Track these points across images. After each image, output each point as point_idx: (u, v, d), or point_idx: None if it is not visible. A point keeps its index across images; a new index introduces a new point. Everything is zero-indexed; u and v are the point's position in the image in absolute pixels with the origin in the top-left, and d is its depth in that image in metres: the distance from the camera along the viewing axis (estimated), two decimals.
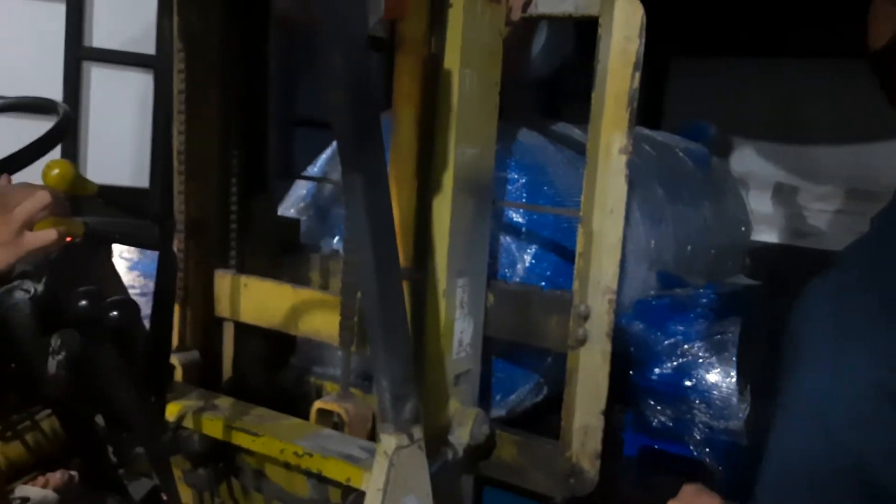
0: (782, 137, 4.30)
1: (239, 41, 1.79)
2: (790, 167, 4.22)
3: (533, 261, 1.96)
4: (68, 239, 1.11)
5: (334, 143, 2.20)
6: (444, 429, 1.61)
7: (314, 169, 2.31)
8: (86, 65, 3.01)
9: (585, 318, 1.70)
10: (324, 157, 2.31)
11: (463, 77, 1.51)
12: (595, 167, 1.67)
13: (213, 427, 1.48)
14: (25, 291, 1.23)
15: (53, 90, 2.90)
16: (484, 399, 1.84)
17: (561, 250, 1.98)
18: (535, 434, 1.79)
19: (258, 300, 1.77)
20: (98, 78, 3.04)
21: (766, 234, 4.19)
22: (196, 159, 1.74)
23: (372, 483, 1.23)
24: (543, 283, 1.95)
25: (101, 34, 3.01)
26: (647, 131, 3.16)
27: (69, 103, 2.71)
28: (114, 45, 3.02)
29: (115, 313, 1.20)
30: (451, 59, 1.50)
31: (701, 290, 2.47)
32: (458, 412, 1.63)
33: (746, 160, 4.47)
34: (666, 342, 2.35)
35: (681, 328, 2.35)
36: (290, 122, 2.60)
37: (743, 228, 3.51)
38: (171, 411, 1.49)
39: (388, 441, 1.22)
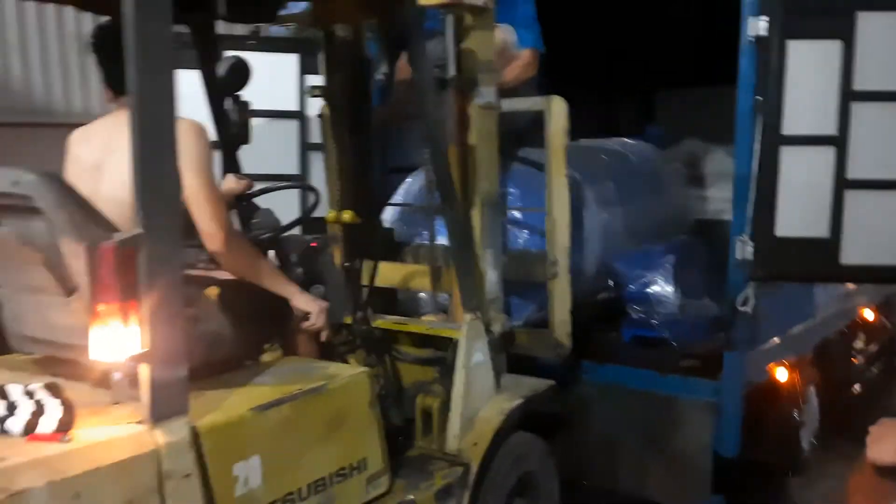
0: None
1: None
2: None
3: (526, 236, 3.58)
4: None
5: (408, 179, 3.89)
6: (487, 324, 3.17)
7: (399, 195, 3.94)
8: None
9: (554, 263, 3.30)
10: (405, 186, 3.94)
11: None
12: (551, 186, 3.27)
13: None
14: None
15: None
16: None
17: (539, 230, 3.57)
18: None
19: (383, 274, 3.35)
20: None
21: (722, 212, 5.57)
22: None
23: (462, 335, 2.82)
24: (532, 248, 3.57)
25: None
26: (604, 142, 4.73)
27: None
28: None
29: None
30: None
31: (652, 246, 4.12)
32: (495, 317, 3.18)
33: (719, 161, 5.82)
34: (635, 273, 4.00)
35: (641, 265, 4.01)
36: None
37: (682, 206, 5.06)
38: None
39: (468, 316, 2.82)
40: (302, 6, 2.89)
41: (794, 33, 3.10)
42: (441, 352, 3.00)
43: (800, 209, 3.20)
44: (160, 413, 1.80)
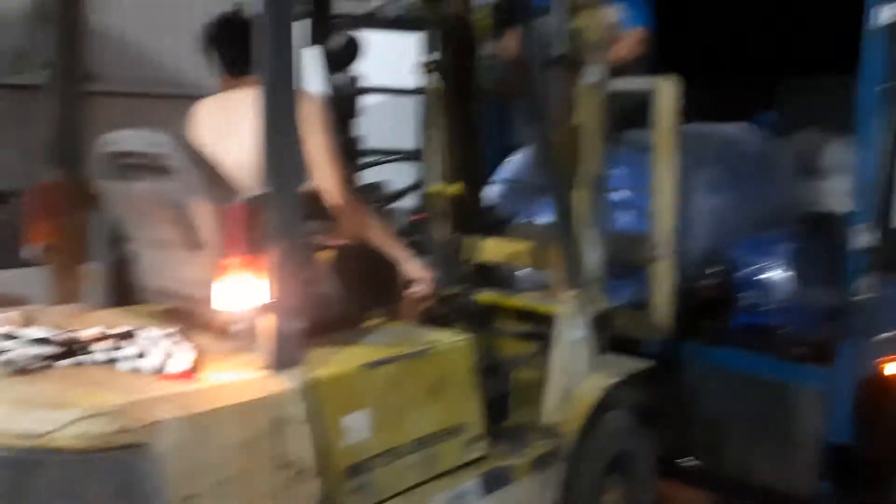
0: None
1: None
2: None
3: (630, 218, 3.57)
4: None
5: (513, 156, 3.94)
6: (588, 303, 3.18)
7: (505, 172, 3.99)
8: None
9: (657, 245, 3.28)
10: (510, 163, 3.98)
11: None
12: (658, 168, 3.24)
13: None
14: None
15: None
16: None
17: (644, 212, 3.54)
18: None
19: (485, 248, 3.41)
20: None
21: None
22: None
23: (563, 312, 2.85)
24: (636, 229, 3.55)
25: None
26: (716, 127, 4.62)
27: None
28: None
29: None
30: None
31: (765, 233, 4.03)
32: (595, 296, 3.19)
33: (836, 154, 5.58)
34: (749, 259, 3.91)
35: (756, 252, 3.91)
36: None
37: (794, 196, 4.90)
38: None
39: (569, 293, 2.84)
40: None
41: None
42: (540, 327, 3.04)
43: None
44: (281, 362, 1.92)
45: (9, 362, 1.82)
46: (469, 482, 2.43)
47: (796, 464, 3.39)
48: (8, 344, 1.89)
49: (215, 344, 2.10)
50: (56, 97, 2.58)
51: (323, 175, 2.34)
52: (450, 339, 2.47)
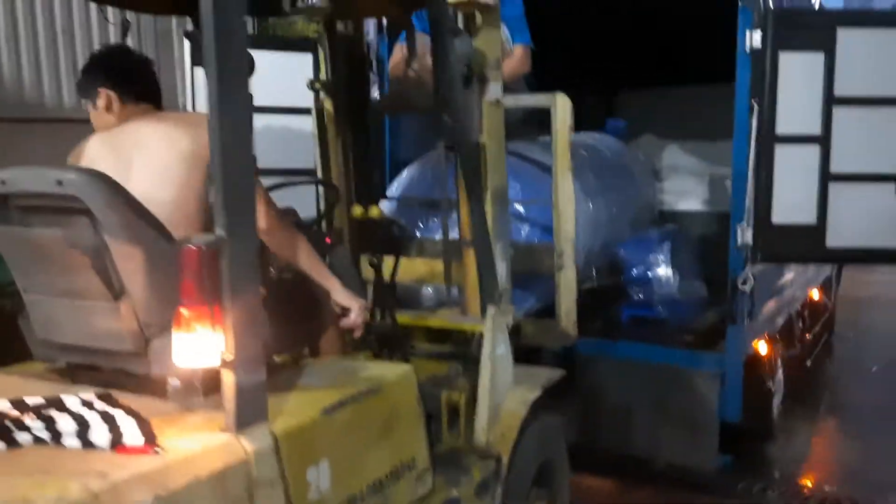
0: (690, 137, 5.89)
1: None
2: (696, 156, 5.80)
3: (530, 229, 3.62)
4: None
5: (405, 171, 3.88)
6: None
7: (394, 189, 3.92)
8: None
9: (560, 255, 3.35)
10: (400, 179, 3.92)
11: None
12: (557, 179, 3.31)
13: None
14: None
15: None
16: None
17: (545, 222, 3.62)
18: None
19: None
20: None
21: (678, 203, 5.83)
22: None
23: (487, 328, 2.83)
24: (537, 240, 3.61)
25: None
26: (580, 136, 4.82)
27: None
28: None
29: None
30: None
31: (644, 234, 4.34)
32: (505, 309, 3.19)
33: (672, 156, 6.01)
34: (633, 259, 4.23)
35: (638, 251, 4.27)
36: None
37: (651, 196, 5.22)
38: None
39: (492, 309, 2.82)
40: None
41: (784, 45, 3.39)
42: (458, 346, 3.01)
43: (792, 199, 3.43)
44: (244, 420, 1.75)
45: None
46: None
47: (697, 441, 3.74)
48: None
49: (155, 406, 1.88)
50: None
51: None
52: (394, 372, 2.38)
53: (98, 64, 2.37)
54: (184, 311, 1.71)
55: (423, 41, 2.92)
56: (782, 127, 3.40)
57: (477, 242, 2.85)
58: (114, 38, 4.22)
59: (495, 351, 2.88)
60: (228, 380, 1.74)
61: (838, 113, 3.42)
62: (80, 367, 2.17)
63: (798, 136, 3.43)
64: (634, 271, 4.22)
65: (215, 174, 1.72)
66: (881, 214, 3.51)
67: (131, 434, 1.66)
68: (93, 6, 4.80)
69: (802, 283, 5.29)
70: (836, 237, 3.50)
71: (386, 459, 2.23)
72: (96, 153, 2.24)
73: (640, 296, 4.21)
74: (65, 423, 1.68)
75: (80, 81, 2.37)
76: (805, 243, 3.51)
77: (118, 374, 2.09)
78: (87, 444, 1.63)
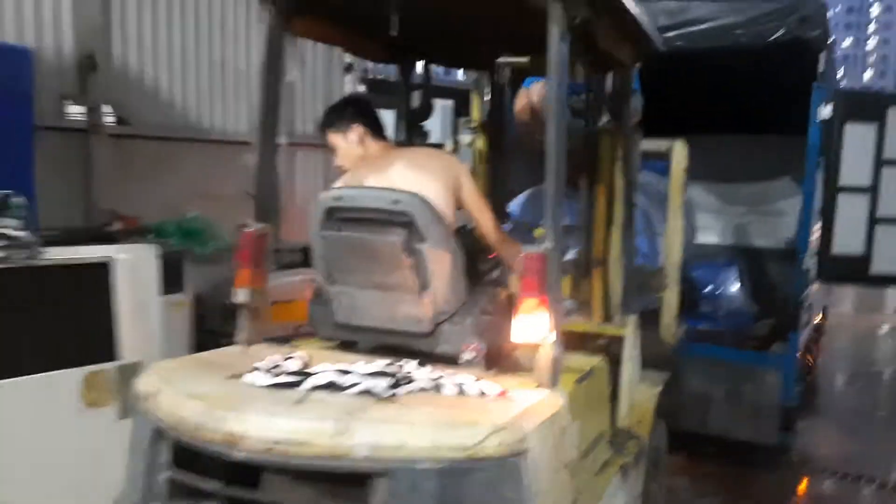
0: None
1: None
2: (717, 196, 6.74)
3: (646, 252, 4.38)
4: None
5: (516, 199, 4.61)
6: None
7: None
8: None
9: (666, 276, 4.08)
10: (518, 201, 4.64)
11: None
12: (671, 215, 4.05)
13: None
14: None
15: None
16: None
17: (656, 248, 4.37)
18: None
19: None
20: None
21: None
22: None
23: (628, 333, 3.51)
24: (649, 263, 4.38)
25: None
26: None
27: None
28: None
29: None
30: None
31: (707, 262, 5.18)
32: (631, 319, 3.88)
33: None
34: (705, 280, 5.13)
35: (708, 274, 5.16)
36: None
37: (691, 230, 6.05)
38: None
39: (632, 317, 3.51)
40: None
41: (848, 118, 4.40)
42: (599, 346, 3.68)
43: (846, 235, 4.32)
44: (554, 381, 2.39)
45: (369, 392, 2.12)
46: (616, 477, 3.01)
47: (762, 422, 4.76)
48: (349, 378, 2.18)
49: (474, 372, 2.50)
50: (258, 154, 2.77)
51: (482, 218, 2.85)
52: (594, 361, 3.03)
53: (351, 105, 3.01)
54: (527, 300, 2.35)
55: (540, 88, 3.64)
56: (843, 180, 4.29)
57: (618, 263, 3.53)
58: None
59: (633, 351, 3.56)
60: (547, 351, 2.38)
61: (885, 171, 4.40)
62: (349, 344, 2.79)
63: (854, 187, 4.33)
64: (706, 290, 5.07)
65: (546, 204, 2.38)
66: None
67: (489, 387, 2.28)
68: (243, 39, 5.40)
69: (816, 308, 6.28)
70: (878, 265, 4.47)
71: (595, 426, 2.90)
72: (370, 176, 2.85)
73: (708, 309, 5.06)
74: (447, 379, 2.29)
75: (332, 116, 2.97)
76: (854, 270, 4.51)
77: (398, 350, 2.68)
78: (461, 393, 2.24)
